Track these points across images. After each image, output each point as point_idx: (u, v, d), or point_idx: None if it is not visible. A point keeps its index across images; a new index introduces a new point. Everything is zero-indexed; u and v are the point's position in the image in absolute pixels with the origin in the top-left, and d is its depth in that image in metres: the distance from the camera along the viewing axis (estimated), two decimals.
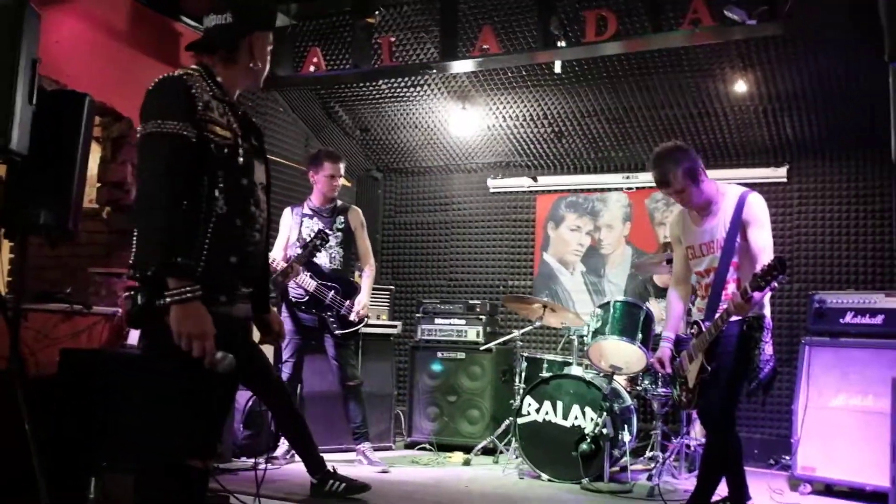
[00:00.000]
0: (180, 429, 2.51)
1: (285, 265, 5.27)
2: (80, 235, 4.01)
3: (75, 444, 4.43)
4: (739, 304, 3.60)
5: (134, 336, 5.21)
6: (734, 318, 3.83)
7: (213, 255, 2.50)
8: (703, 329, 3.88)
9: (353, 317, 5.43)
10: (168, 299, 2.36)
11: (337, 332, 5.41)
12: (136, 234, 2.47)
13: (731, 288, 3.87)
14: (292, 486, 4.71)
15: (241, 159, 2.61)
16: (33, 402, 3.57)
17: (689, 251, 4.13)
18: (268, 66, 2.81)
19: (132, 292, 2.46)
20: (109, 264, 5.76)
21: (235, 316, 2.62)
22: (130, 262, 2.50)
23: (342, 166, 5.59)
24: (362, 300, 5.49)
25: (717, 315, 3.80)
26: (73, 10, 5.26)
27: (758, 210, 3.88)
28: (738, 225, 3.86)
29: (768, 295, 3.87)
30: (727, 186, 4.04)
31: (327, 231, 5.35)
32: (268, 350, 4.78)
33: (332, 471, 4.57)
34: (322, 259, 5.46)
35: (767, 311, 3.93)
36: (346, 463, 5.46)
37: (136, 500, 2.59)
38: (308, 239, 5.34)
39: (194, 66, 2.67)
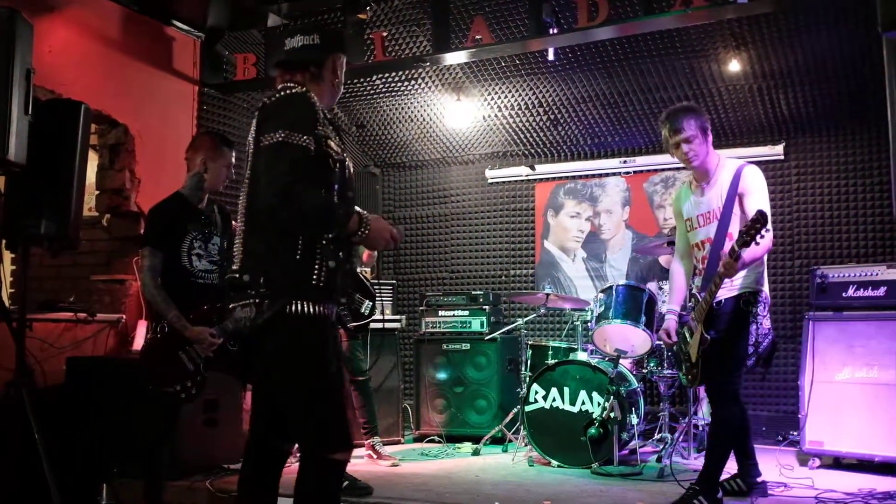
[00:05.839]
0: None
1: None
2: (80, 244, 4.01)
3: (85, 451, 4.45)
4: (729, 263, 3.63)
5: (139, 342, 5.22)
6: (731, 292, 3.86)
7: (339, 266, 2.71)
8: (700, 299, 3.91)
9: (364, 257, 5.41)
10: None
11: (350, 324, 5.40)
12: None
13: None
14: None
15: (348, 172, 2.78)
16: (42, 410, 3.59)
17: (688, 223, 4.17)
18: (342, 89, 2.99)
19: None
20: (111, 271, 5.77)
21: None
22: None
23: None
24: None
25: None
26: (64, 18, 5.25)
27: (753, 180, 3.94)
28: (735, 196, 3.92)
29: (766, 264, 3.91)
30: (727, 160, 4.10)
31: None
32: None
33: None
34: None
35: (765, 287, 3.98)
36: (356, 459, 5.47)
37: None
38: None
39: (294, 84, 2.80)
